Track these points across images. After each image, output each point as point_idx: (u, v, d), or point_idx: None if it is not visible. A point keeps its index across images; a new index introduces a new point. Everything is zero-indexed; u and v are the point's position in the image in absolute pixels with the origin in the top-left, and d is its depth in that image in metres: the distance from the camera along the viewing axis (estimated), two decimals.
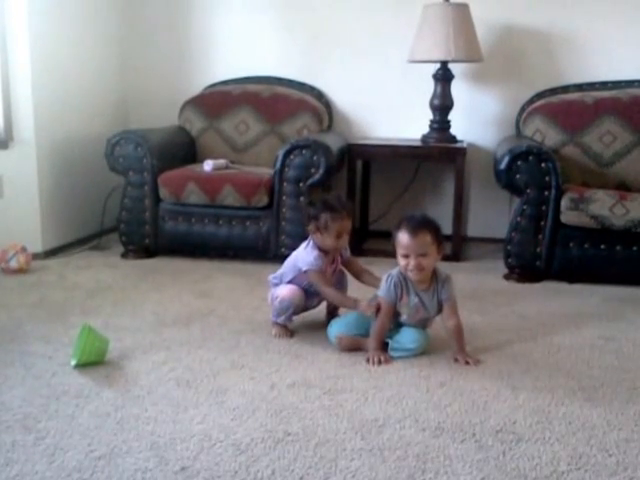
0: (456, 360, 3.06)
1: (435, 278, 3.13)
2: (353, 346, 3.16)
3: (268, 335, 3.36)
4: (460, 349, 3.10)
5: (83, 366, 2.94)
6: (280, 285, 3.43)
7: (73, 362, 2.96)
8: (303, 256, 3.34)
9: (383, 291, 3.12)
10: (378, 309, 3.11)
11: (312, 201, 3.43)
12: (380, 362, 3.02)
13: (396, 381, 2.86)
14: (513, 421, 2.52)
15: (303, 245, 3.40)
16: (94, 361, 2.97)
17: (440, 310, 3.16)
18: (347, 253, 3.49)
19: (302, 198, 4.53)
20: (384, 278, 3.14)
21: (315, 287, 3.34)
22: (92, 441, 2.35)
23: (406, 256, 3.03)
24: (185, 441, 2.35)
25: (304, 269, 3.31)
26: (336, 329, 3.24)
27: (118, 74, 5.69)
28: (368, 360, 3.04)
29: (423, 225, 3.07)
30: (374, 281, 3.36)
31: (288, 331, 3.39)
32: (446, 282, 3.15)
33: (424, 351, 3.13)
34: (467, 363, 3.03)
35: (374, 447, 2.32)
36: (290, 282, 3.40)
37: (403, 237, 3.03)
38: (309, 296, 3.43)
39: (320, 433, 2.41)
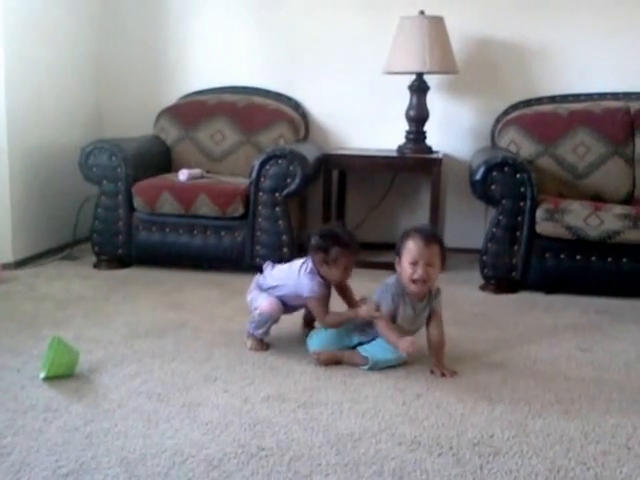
0: (432, 372, 3.04)
1: (429, 291, 3.12)
2: (332, 361, 3.13)
3: (242, 347, 3.32)
4: (438, 361, 3.07)
5: (52, 379, 2.89)
6: (263, 294, 3.37)
7: (42, 375, 2.91)
8: (306, 282, 3.24)
9: (382, 301, 3.07)
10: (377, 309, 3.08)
11: (322, 232, 3.32)
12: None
13: (372, 394, 2.84)
14: (490, 434, 2.50)
15: (300, 266, 3.30)
16: (63, 374, 2.92)
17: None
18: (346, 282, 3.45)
19: (278, 208, 4.50)
20: (381, 288, 3.11)
21: (313, 313, 3.30)
22: (60, 457, 2.30)
23: (414, 264, 3.00)
24: (156, 456, 2.31)
25: (306, 295, 3.24)
26: (316, 343, 3.21)
27: (93, 82, 5.64)
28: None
29: (434, 236, 3.09)
30: (353, 305, 3.35)
31: (264, 344, 3.34)
32: (437, 295, 3.15)
33: (400, 363, 3.10)
34: (443, 375, 3.01)
35: (349, 462, 2.30)
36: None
37: (415, 244, 3.01)
38: (288, 309, 3.39)
39: (294, 448, 2.38)
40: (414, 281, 3.01)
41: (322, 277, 3.25)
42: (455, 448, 2.40)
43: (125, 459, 2.29)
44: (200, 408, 2.67)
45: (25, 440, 2.40)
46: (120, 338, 3.42)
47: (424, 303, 3.11)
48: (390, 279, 3.12)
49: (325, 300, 3.26)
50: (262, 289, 3.39)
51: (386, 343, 3.06)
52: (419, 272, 2.99)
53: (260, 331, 3.32)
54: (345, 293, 3.43)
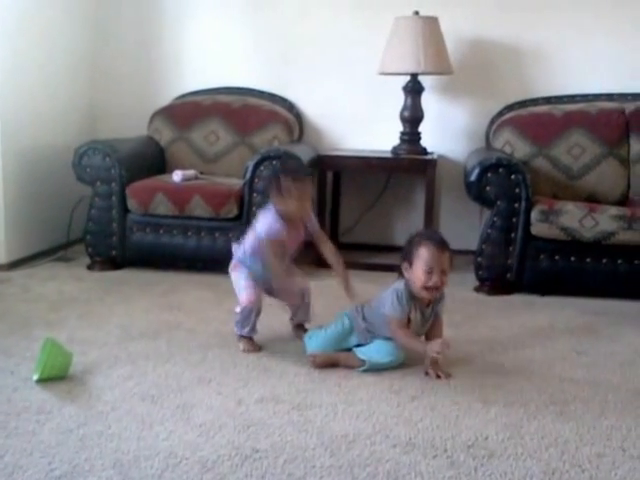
0: (427, 374, 3.02)
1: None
2: (328, 363, 3.11)
3: (236, 349, 3.30)
4: (434, 363, 3.06)
5: (45, 381, 2.87)
6: (241, 281, 3.37)
7: (35, 377, 2.89)
8: (262, 221, 3.30)
9: (394, 309, 3.04)
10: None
11: (274, 167, 3.35)
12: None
13: (366, 396, 2.82)
14: (485, 436, 2.49)
15: (262, 213, 3.37)
16: (57, 376, 2.91)
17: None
18: (314, 226, 3.43)
19: None
20: (392, 295, 3.06)
21: (264, 255, 3.29)
22: (53, 459, 2.28)
23: (429, 272, 2.98)
24: (150, 458, 2.30)
25: (262, 235, 3.27)
26: (315, 344, 3.21)
27: (87, 83, 5.63)
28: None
29: (446, 243, 3.07)
30: (334, 262, 3.37)
31: (255, 345, 3.34)
32: (442, 299, 3.14)
33: (396, 365, 3.09)
34: (438, 377, 3.00)
35: (344, 464, 2.29)
36: (251, 251, 3.35)
37: (429, 252, 2.98)
38: (267, 289, 3.40)
39: (289, 449, 2.37)
40: (428, 288, 3.00)
41: (285, 220, 3.27)
42: (450, 450, 2.39)
43: (119, 461, 2.28)
44: (194, 410, 2.66)
45: (18, 442, 2.39)
46: (114, 340, 3.41)
47: (431, 308, 3.11)
48: (398, 285, 3.09)
49: (279, 243, 3.27)
50: (241, 261, 3.41)
51: (383, 345, 3.06)
52: (434, 280, 2.98)
53: (246, 329, 3.32)
54: (325, 248, 3.43)
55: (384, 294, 3.13)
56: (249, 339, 3.35)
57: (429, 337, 3.14)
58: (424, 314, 3.09)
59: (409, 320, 3.06)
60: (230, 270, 3.45)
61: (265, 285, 3.39)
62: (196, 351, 3.28)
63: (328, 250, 3.42)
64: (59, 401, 2.72)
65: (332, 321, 3.26)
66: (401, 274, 3.11)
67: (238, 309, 3.32)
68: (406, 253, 3.08)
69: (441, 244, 3.03)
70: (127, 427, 2.51)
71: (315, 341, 3.22)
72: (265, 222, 3.28)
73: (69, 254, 5.06)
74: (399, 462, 2.30)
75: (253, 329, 3.34)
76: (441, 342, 2.96)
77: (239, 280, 3.38)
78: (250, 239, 3.36)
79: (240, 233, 4.44)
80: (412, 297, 3.06)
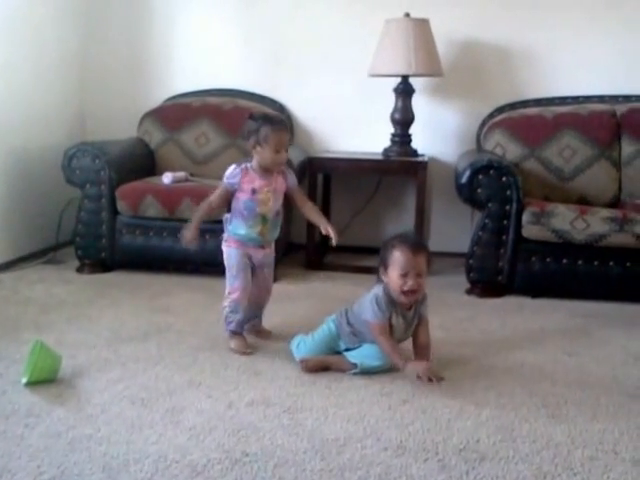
0: (418, 377, 3.00)
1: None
2: (319, 367, 3.09)
3: (227, 352, 3.29)
4: (424, 356, 3.05)
5: (34, 384, 2.85)
6: (229, 240, 3.40)
7: (24, 380, 2.87)
8: (229, 169, 3.36)
9: (375, 315, 3.01)
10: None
11: (252, 115, 3.36)
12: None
13: (357, 399, 2.81)
14: (476, 439, 2.48)
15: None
16: (46, 379, 2.89)
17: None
18: (292, 181, 3.44)
19: None
20: (371, 301, 3.03)
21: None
22: (42, 463, 2.27)
23: (404, 275, 2.96)
24: (139, 462, 2.28)
25: (223, 180, 3.34)
26: (303, 350, 3.19)
27: (77, 84, 5.61)
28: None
29: (421, 244, 3.06)
30: (316, 218, 3.40)
31: (247, 345, 3.32)
32: (424, 300, 3.12)
33: (387, 369, 3.06)
34: (430, 380, 2.98)
35: (334, 467, 2.27)
36: (230, 212, 3.39)
37: (403, 255, 2.96)
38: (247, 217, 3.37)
39: (279, 453, 2.36)
40: (405, 292, 2.98)
41: (261, 170, 3.31)
42: (441, 453, 2.38)
43: (108, 465, 2.26)
44: (184, 413, 2.64)
45: (7, 446, 2.37)
46: (103, 342, 3.39)
47: (413, 311, 3.08)
48: (377, 290, 3.05)
49: (225, 191, 3.35)
50: (227, 230, 3.42)
51: (372, 349, 3.04)
52: (410, 283, 2.96)
53: (233, 324, 3.33)
54: (297, 197, 3.47)
55: (364, 299, 3.11)
56: (240, 337, 3.34)
57: (417, 341, 3.12)
58: (406, 318, 3.06)
59: (391, 326, 3.04)
60: (223, 244, 3.44)
61: (252, 265, 3.39)
62: (186, 354, 3.26)
63: (309, 208, 3.44)
64: (48, 404, 2.70)
65: (318, 327, 3.24)
66: (380, 279, 3.08)
67: (227, 301, 3.34)
68: (381, 258, 3.06)
69: (415, 246, 3.01)
70: (116, 430, 2.50)
71: (303, 348, 3.20)
72: (228, 170, 3.34)
73: (58, 256, 5.03)
74: (390, 465, 2.29)
75: (240, 326, 3.35)
76: (425, 367, 2.94)
77: (231, 265, 3.37)
78: (233, 201, 3.38)
79: None
80: (392, 302, 3.03)
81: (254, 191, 3.28)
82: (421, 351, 3.09)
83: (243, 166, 3.31)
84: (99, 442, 2.41)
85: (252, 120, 3.31)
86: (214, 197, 3.37)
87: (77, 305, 3.99)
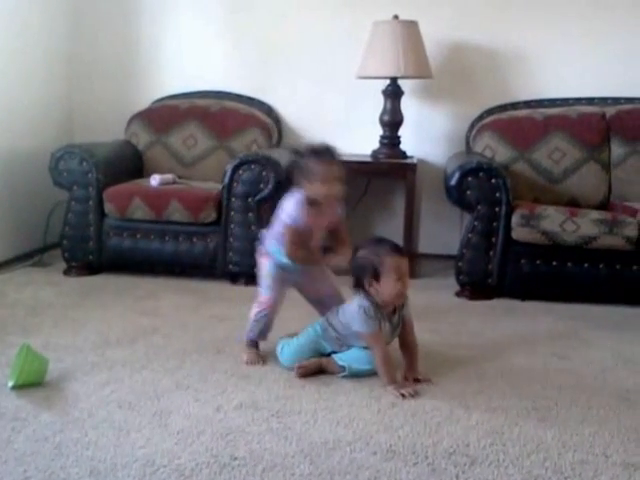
0: (406, 379, 2.99)
1: None
2: (314, 371, 3.07)
3: (215, 355, 3.27)
4: (412, 368, 3.04)
5: (21, 387, 2.84)
6: (268, 257, 3.28)
7: (10, 383, 2.85)
8: (286, 207, 3.16)
9: (368, 326, 2.97)
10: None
11: (296, 150, 3.24)
12: (414, 392, 2.90)
13: (346, 402, 2.80)
14: (466, 443, 2.47)
15: (288, 198, 3.21)
16: (33, 382, 2.87)
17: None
18: (340, 214, 3.32)
19: (250, 214, 4.46)
20: (359, 313, 2.98)
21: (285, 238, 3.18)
22: (28, 467, 2.25)
23: (400, 279, 2.93)
24: (127, 466, 2.27)
25: (288, 221, 3.14)
26: (288, 354, 3.16)
27: (64, 86, 5.59)
28: (403, 395, 2.87)
29: (398, 245, 3.05)
30: (339, 255, 3.23)
31: (259, 357, 3.25)
32: (406, 302, 3.08)
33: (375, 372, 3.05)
34: (417, 381, 2.97)
35: (323, 471, 2.26)
36: (276, 241, 3.23)
37: (396, 261, 2.94)
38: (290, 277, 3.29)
39: (267, 457, 2.34)
40: (399, 295, 2.97)
41: (314, 205, 3.14)
42: (431, 457, 2.37)
43: (95, 469, 2.25)
44: (172, 417, 2.63)
45: None
46: (90, 346, 3.37)
47: (397, 314, 3.06)
48: (361, 301, 3.00)
49: (301, 229, 3.15)
50: (268, 250, 3.29)
51: (361, 353, 3.02)
52: (402, 286, 2.95)
53: (254, 333, 3.27)
54: (337, 233, 3.32)
55: (348, 310, 3.07)
56: (254, 349, 3.28)
57: (403, 342, 3.09)
58: (392, 322, 3.04)
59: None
60: (257, 256, 3.36)
61: (292, 278, 3.30)
62: (174, 357, 3.24)
63: (343, 248, 3.27)
64: (35, 408, 2.69)
65: (303, 330, 3.22)
66: (359, 289, 3.02)
67: (257, 309, 3.26)
68: (367, 269, 2.98)
69: (399, 249, 3.02)
70: (104, 434, 2.48)
71: (288, 351, 3.18)
72: (289, 207, 3.15)
73: (45, 259, 5.01)
74: (379, 469, 2.28)
75: (263, 334, 3.28)
76: (407, 391, 2.89)
77: (267, 275, 3.28)
78: (276, 226, 3.24)
79: (218, 238, 4.45)
80: (378, 309, 3.00)
81: (307, 227, 3.17)
82: (409, 353, 3.08)
83: (299, 200, 3.13)
84: (86, 446, 2.39)
85: (297, 154, 3.19)
86: (293, 243, 3.15)
87: (64, 308, 3.97)
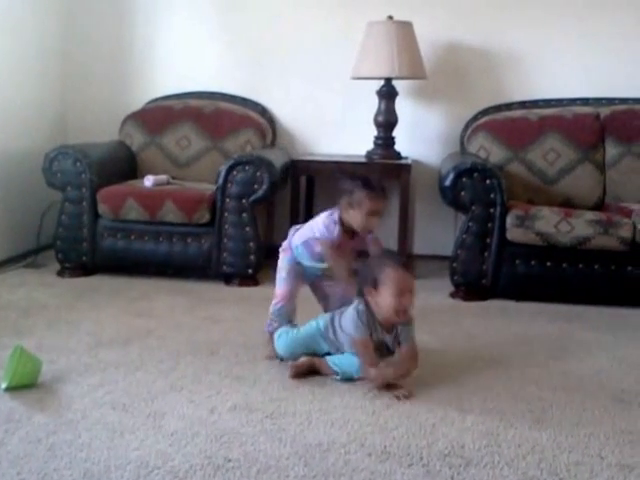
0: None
1: None
2: (306, 370, 3.06)
3: (209, 356, 3.26)
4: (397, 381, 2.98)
5: (14, 389, 2.82)
6: (289, 253, 3.35)
7: (3, 385, 2.84)
8: (321, 223, 3.23)
9: (358, 329, 2.95)
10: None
11: (351, 175, 3.30)
12: (408, 395, 2.87)
13: (341, 403, 2.79)
14: (461, 444, 2.46)
15: (326, 214, 3.27)
16: (26, 384, 2.85)
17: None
18: (373, 238, 3.33)
19: (245, 215, 4.46)
20: (352, 315, 2.98)
21: (323, 254, 3.23)
22: (21, 469, 2.23)
23: (400, 294, 2.88)
24: (120, 468, 2.25)
25: (317, 235, 3.21)
26: (284, 343, 3.17)
27: (58, 87, 5.57)
28: (398, 397, 2.85)
29: (409, 265, 3.03)
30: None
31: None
32: (410, 322, 3.02)
33: None
34: (394, 387, 2.92)
35: (318, 473, 2.25)
36: (302, 242, 3.30)
37: (399, 275, 2.90)
38: (307, 276, 3.37)
39: (262, 459, 2.33)
40: (398, 312, 2.92)
41: (346, 230, 3.21)
42: (425, 459, 2.36)
43: (89, 471, 2.23)
44: (166, 419, 2.61)
45: None
46: (84, 347, 3.35)
47: (393, 335, 3.01)
48: (359, 306, 2.99)
49: (336, 248, 3.20)
50: (292, 246, 3.35)
51: (355, 359, 3.00)
52: (405, 302, 2.90)
53: (272, 327, 3.29)
54: (374, 246, 3.33)
55: (347, 313, 3.05)
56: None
57: (400, 357, 3.02)
58: (385, 339, 2.99)
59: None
60: (280, 250, 3.41)
61: (308, 275, 3.37)
62: (167, 359, 3.23)
63: (373, 246, 3.32)
64: (28, 410, 2.67)
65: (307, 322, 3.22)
66: (362, 296, 3.01)
67: (273, 302, 3.33)
68: (369, 277, 2.97)
69: (406, 266, 2.98)
70: (97, 436, 2.47)
71: (284, 340, 3.18)
72: (322, 225, 3.22)
73: (39, 260, 5.00)
74: (374, 471, 2.27)
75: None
76: (405, 391, 2.88)
77: (282, 269, 3.35)
78: (306, 231, 3.31)
79: (212, 239, 4.44)
80: (373, 318, 2.97)
81: (339, 247, 3.21)
82: (401, 373, 2.98)
83: (337, 231, 3.19)
84: (80, 448, 2.38)
85: (350, 180, 3.24)
86: (332, 253, 3.20)
87: (58, 309, 3.95)
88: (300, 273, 3.34)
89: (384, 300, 2.91)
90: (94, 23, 5.59)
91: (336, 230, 3.19)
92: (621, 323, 3.96)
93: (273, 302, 3.34)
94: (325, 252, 3.21)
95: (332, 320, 3.12)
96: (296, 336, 3.18)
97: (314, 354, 3.13)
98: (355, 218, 3.17)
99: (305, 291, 3.45)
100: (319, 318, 3.18)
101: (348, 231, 3.23)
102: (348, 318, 3.02)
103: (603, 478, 2.27)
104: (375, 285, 2.93)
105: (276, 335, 3.23)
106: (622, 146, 4.72)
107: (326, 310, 3.35)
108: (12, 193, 4.95)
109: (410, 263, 3.03)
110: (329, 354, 3.11)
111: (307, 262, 3.31)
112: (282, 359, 3.20)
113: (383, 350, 3.02)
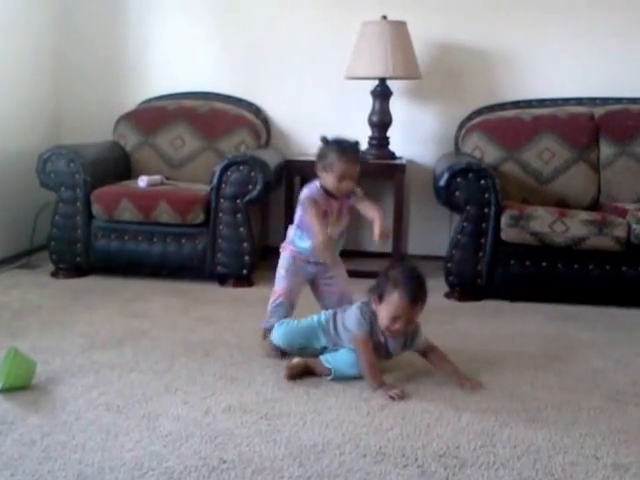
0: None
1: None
2: (301, 372, 3.05)
3: (203, 357, 3.25)
4: (456, 373, 3.03)
5: (8, 391, 2.81)
6: (289, 249, 3.37)
7: None
8: (305, 189, 3.29)
9: (359, 326, 2.97)
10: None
11: (324, 138, 3.32)
12: (402, 394, 2.87)
13: (335, 404, 2.79)
14: (456, 445, 2.46)
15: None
16: (20, 385, 2.84)
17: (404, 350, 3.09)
18: (358, 193, 3.38)
19: (239, 215, 4.45)
20: (356, 311, 3.01)
21: (306, 216, 3.24)
22: (15, 471, 2.23)
23: (395, 319, 2.90)
24: (115, 470, 2.24)
25: (304, 195, 3.25)
26: (282, 332, 3.19)
27: (51, 87, 5.56)
28: (392, 398, 2.84)
29: (423, 293, 2.94)
30: (370, 213, 3.31)
31: (277, 350, 3.25)
32: (417, 331, 3.05)
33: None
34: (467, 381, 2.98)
35: (313, 474, 2.24)
36: (297, 224, 3.33)
37: (401, 302, 2.88)
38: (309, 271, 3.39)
39: (257, 460, 2.33)
40: (389, 330, 2.94)
41: (327, 193, 3.27)
42: (420, 459, 2.36)
43: (83, 473, 2.22)
44: (160, 420, 2.61)
45: None
46: (78, 348, 3.34)
47: (400, 340, 3.02)
48: (363, 303, 3.03)
49: (317, 205, 3.21)
50: (290, 240, 3.39)
51: (349, 356, 3.00)
52: (397, 327, 2.91)
53: (269, 323, 3.31)
54: (360, 204, 3.38)
55: (350, 309, 3.08)
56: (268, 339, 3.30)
57: (435, 366, 3.09)
58: (387, 341, 3.01)
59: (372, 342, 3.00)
60: (281, 249, 3.43)
61: (307, 271, 3.37)
62: (162, 360, 3.22)
63: (365, 206, 3.36)
64: (22, 411, 2.66)
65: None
66: (371, 297, 3.01)
67: (271, 300, 3.34)
68: (379, 286, 2.98)
69: (416, 296, 2.91)
70: (91, 437, 2.46)
71: (282, 329, 3.20)
72: (307, 187, 3.29)
73: (33, 261, 4.99)
74: (369, 472, 2.27)
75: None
76: (399, 391, 2.87)
77: (281, 267, 3.38)
78: (297, 213, 3.34)
79: (207, 239, 4.43)
80: (375, 318, 2.98)
81: (325, 213, 3.24)
82: (449, 371, 3.06)
83: (317, 187, 3.27)
84: (74, 449, 2.37)
85: (323, 143, 3.29)
86: (315, 215, 3.17)
87: (52, 310, 3.94)
88: (299, 271, 3.35)
89: (381, 314, 2.94)
90: (88, 23, 5.58)
91: (318, 191, 3.25)
92: (616, 323, 3.96)
93: (271, 299, 3.35)
94: (307, 209, 3.20)
95: (334, 315, 3.14)
96: (296, 326, 3.20)
97: (310, 347, 3.14)
98: (329, 181, 3.23)
99: (305, 291, 3.45)
100: (320, 314, 3.20)
101: (328, 196, 3.27)
102: (351, 315, 3.04)
103: (598, 478, 2.27)
104: (380, 298, 2.95)
105: (275, 324, 3.24)
106: (616, 146, 4.72)
107: (325, 309, 3.34)
108: (5, 194, 4.93)
109: (423, 291, 2.97)
110: (325, 349, 3.12)
111: (300, 242, 3.32)
112: (279, 350, 3.23)
113: (382, 352, 3.03)
